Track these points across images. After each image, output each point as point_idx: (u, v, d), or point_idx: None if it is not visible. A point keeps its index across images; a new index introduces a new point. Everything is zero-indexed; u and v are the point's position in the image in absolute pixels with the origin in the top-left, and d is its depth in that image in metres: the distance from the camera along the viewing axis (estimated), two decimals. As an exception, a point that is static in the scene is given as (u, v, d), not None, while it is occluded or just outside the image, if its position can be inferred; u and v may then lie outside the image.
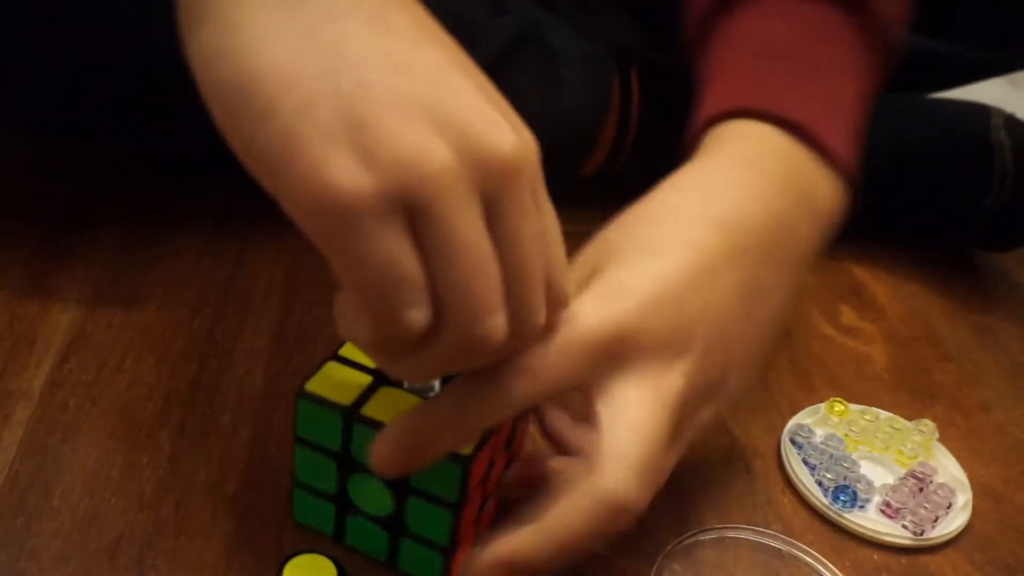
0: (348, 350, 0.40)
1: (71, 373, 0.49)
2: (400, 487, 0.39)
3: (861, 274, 0.71)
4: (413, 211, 0.28)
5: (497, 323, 0.30)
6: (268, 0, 0.29)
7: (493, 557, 0.35)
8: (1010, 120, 0.70)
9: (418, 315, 0.29)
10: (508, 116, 0.31)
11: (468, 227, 0.29)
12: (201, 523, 0.42)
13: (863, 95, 0.48)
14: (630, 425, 0.35)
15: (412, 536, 0.40)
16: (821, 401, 0.56)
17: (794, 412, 0.55)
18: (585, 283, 0.38)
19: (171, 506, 0.43)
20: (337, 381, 0.39)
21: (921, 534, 0.48)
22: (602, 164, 0.71)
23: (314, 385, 0.38)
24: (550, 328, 0.34)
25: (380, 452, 0.35)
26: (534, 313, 0.32)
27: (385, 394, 0.39)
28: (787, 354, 0.61)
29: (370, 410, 0.38)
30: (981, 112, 0.71)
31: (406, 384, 0.39)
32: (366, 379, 0.39)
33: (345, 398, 0.38)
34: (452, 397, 0.35)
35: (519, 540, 0.35)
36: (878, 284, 0.71)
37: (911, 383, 0.61)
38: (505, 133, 0.30)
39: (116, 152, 0.66)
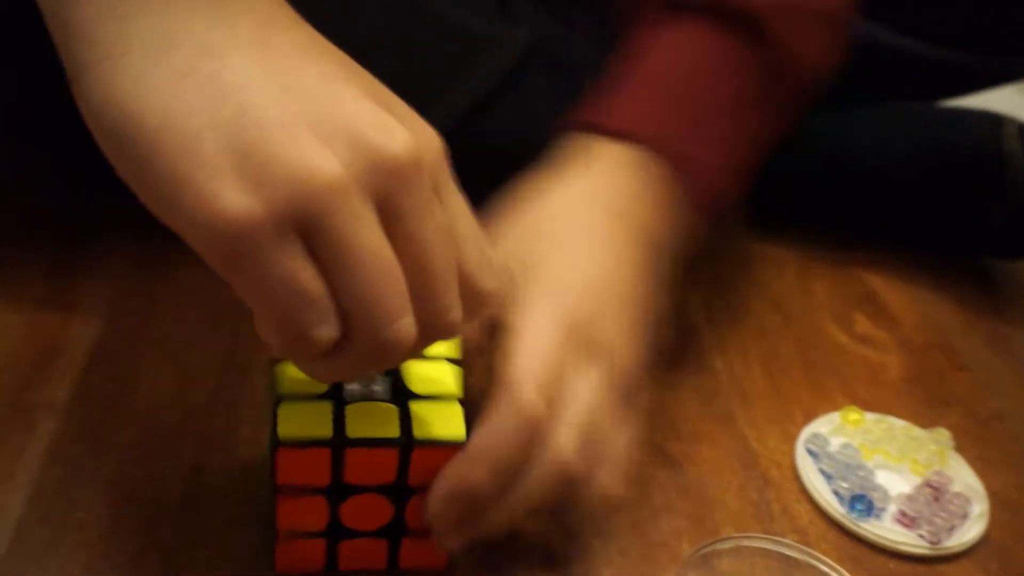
0: (287, 386, 0.39)
1: (93, 385, 0.49)
2: (399, 492, 0.39)
3: (875, 282, 0.72)
4: (306, 227, 0.29)
5: (404, 326, 0.31)
6: (142, 46, 0.29)
7: (439, 492, 0.38)
8: (1023, 129, 0.70)
9: (324, 331, 0.30)
10: (405, 117, 0.32)
11: (362, 236, 0.29)
12: (223, 534, 0.43)
13: (756, 132, 0.53)
14: (526, 346, 0.40)
15: (414, 533, 0.40)
16: (836, 409, 0.56)
17: (809, 420, 0.56)
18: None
19: (193, 518, 0.43)
20: (301, 418, 0.38)
21: (938, 543, 0.48)
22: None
23: (286, 429, 0.37)
24: (473, 319, 0.35)
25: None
26: (445, 310, 0.32)
27: (354, 411, 0.38)
28: (803, 363, 0.61)
29: (353, 431, 0.37)
30: (993, 121, 0.71)
31: (346, 393, 0.39)
32: (327, 406, 0.38)
33: (323, 430, 0.37)
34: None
35: (454, 468, 0.38)
36: (892, 292, 0.71)
37: (926, 392, 0.61)
38: (395, 133, 0.30)
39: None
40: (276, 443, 0.37)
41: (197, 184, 0.28)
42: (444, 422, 0.39)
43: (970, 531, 0.49)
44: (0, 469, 0.44)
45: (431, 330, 0.32)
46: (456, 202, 0.33)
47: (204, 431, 0.48)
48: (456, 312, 0.33)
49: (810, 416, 0.56)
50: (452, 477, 0.38)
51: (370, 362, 0.32)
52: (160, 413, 0.48)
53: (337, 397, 0.39)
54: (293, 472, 0.38)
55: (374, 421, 0.38)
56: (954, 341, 0.67)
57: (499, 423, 0.38)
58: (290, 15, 0.33)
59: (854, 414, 0.56)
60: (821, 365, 0.61)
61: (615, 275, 0.45)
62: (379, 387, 0.39)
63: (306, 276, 0.29)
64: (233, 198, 0.28)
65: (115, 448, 0.46)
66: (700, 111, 0.51)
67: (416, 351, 0.34)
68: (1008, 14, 0.71)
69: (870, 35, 0.72)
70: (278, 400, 0.38)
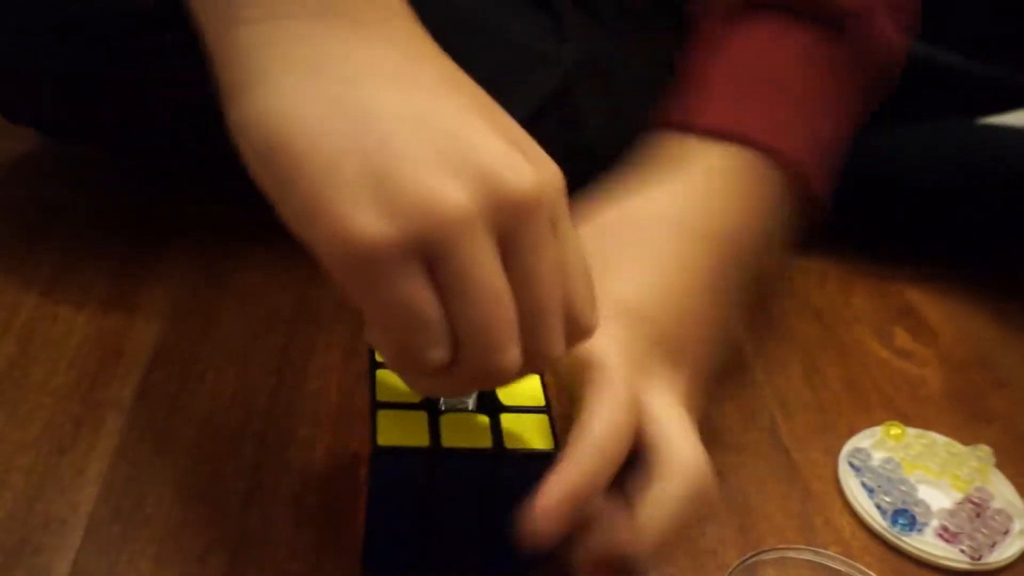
0: (384, 393, 0.41)
1: (157, 384, 0.51)
2: (490, 500, 0.40)
3: (915, 297, 0.72)
4: (431, 255, 0.30)
5: (510, 357, 0.32)
6: (294, 70, 0.31)
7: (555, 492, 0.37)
8: (1064, 148, 0.70)
9: (436, 354, 0.32)
10: (529, 152, 0.33)
11: (482, 268, 0.31)
12: (285, 532, 0.44)
13: (839, 124, 0.52)
14: (676, 427, 0.41)
15: (502, 538, 0.41)
16: (877, 423, 0.57)
17: (851, 434, 0.56)
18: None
19: (257, 515, 0.45)
20: (399, 426, 0.39)
21: (979, 559, 0.49)
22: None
23: (384, 437, 0.39)
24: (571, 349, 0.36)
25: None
26: (549, 345, 0.34)
27: (448, 422, 0.40)
28: (843, 376, 0.62)
29: (448, 440, 0.39)
30: (1033, 139, 0.72)
31: (441, 403, 0.41)
32: (422, 415, 0.40)
33: (419, 439, 0.39)
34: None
35: (617, 538, 0.37)
36: (932, 307, 0.71)
37: (966, 407, 0.61)
38: (521, 170, 0.31)
39: (192, 171, 0.69)
40: (375, 450, 0.38)
41: (335, 205, 0.30)
42: (534, 433, 0.40)
43: (1011, 547, 0.50)
44: (72, 465, 0.46)
45: (534, 360, 0.34)
46: (570, 236, 0.34)
47: (264, 432, 0.49)
48: (560, 346, 0.34)
49: (852, 430, 0.57)
50: (613, 543, 0.38)
51: (473, 385, 0.34)
52: (221, 413, 0.50)
53: (431, 408, 0.40)
54: (390, 477, 0.39)
55: (468, 431, 0.40)
56: (993, 356, 0.67)
57: (676, 483, 0.39)
58: (431, 48, 0.34)
59: (896, 429, 0.56)
60: (862, 379, 0.62)
61: (687, 302, 0.45)
62: (469, 401, 0.41)
63: (426, 300, 0.31)
64: (367, 221, 0.29)
65: (179, 446, 0.48)
66: (796, 106, 0.50)
67: (517, 379, 0.35)
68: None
69: (914, 52, 0.72)
70: (375, 407, 0.40)
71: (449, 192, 0.30)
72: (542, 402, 0.41)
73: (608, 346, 0.40)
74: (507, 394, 0.41)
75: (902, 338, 0.67)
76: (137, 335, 0.54)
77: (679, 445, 0.40)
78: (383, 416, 0.40)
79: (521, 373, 0.34)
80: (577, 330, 0.35)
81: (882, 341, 0.66)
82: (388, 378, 0.41)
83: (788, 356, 0.63)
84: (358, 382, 0.53)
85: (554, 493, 0.36)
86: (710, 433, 0.55)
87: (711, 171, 0.48)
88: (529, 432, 0.40)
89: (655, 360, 0.43)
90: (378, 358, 0.42)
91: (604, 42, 0.69)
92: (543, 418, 0.41)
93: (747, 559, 0.47)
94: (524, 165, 0.32)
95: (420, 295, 0.31)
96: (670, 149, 0.49)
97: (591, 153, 0.53)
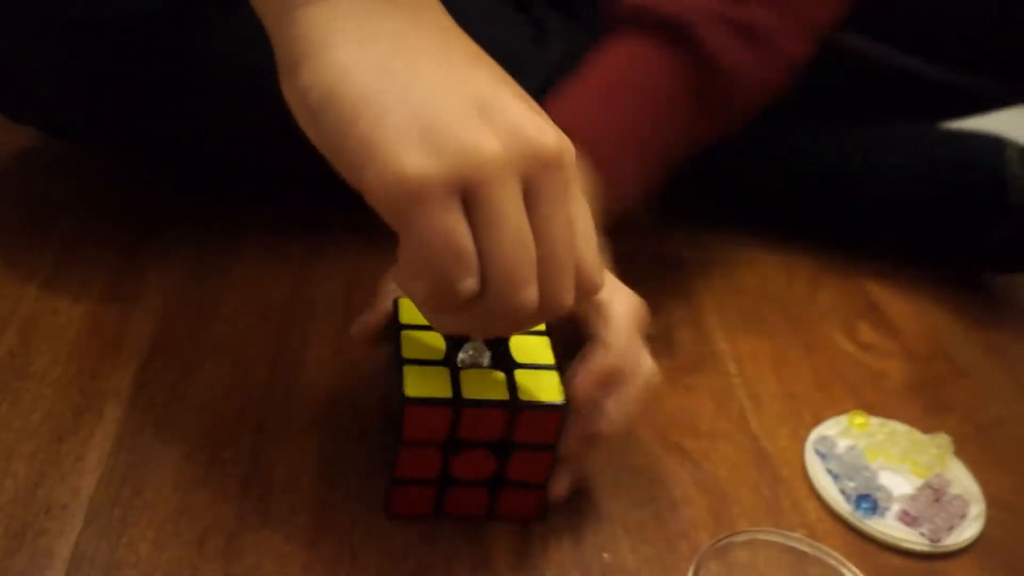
0: (409, 350, 0.45)
1: (156, 374, 0.53)
2: (504, 447, 0.44)
3: (879, 293, 0.75)
4: (468, 195, 0.34)
5: (530, 295, 0.36)
6: (349, 42, 0.36)
7: (589, 378, 0.44)
8: (1023, 152, 0.73)
9: (470, 284, 0.35)
10: (550, 123, 0.37)
11: (511, 210, 0.35)
12: (281, 515, 0.46)
13: (676, 131, 0.58)
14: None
15: (513, 484, 0.46)
16: (842, 412, 0.60)
17: (817, 422, 0.59)
18: None
19: (254, 499, 0.47)
20: (424, 380, 0.43)
21: (938, 541, 0.52)
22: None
23: (412, 389, 0.43)
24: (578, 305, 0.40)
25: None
26: (561, 291, 0.37)
27: (468, 377, 0.44)
28: (810, 368, 0.65)
29: (469, 392, 0.43)
30: (996, 143, 0.74)
31: (459, 361, 0.45)
32: (444, 371, 0.44)
33: (443, 391, 0.43)
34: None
35: (599, 360, 0.45)
36: (894, 303, 0.74)
37: (926, 397, 0.64)
38: (546, 131, 0.36)
39: (191, 165, 0.70)
40: (404, 400, 0.42)
41: (385, 147, 0.34)
42: (545, 388, 0.44)
43: (968, 530, 0.53)
44: (72, 452, 0.47)
45: (547, 306, 0.37)
46: (580, 203, 0.38)
47: (261, 419, 0.51)
48: (570, 296, 0.38)
49: (818, 419, 0.60)
50: (598, 364, 0.45)
51: (494, 321, 0.37)
52: (219, 402, 0.52)
53: (452, 364, 0.44)
54: (416, 426, 0.43)
55: (486, 386, 0.44)
56: (954, 350, 0.71)
57: (624, 319, 0.46)
58: (460, 31, 0.39)
59: (860, 418, 0.59)
60: (828, 371, 0.65)
61: None
62: (485, 359, 0.45)
63: (462, 233, 0.35)
64: (415, 161, 0.34)
65: (178, 434, 0.49)
66: (627, 116, 0.56)
67: (530, 324, 0.39)
68: (1010, 39, 0.75)
69: (877, 56, 0.75)
70: (401, 363, 0.44)
71: (484, 140, 0.34)
72: (552, 361, 0.46)
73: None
74: (520, 352, 0.46)
75: (866, 332, 0.70)
76: (135, 326, 0.56)
77: (619, 294, 0.47)
78: (409, 371, 0.44)
79: (534, 320, 0.38)
80: (585, 285, 0.39)
81: (847, 335, 0.69)
82: (411, 338, 0.45)
83: (758, 349, 0.66)
84: (350, 373, 0.55)
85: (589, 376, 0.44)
86: (686, 420, 0.58)
87: None
88: (540, 387, 0.44)
89: None
90: (401, 319, 0.46)
91: (583, 45, 0.71)
92: (553, 375, 0.45)
93: (718, 541, 0.49)
94: (548, 127, 0.36)
95: (459, 228, 0.35)
96: None
97: None
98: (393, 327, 0.46)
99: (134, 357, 0.53)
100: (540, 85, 0.65)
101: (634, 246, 0.73)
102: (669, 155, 0.59)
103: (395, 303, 0.47)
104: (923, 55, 0.75)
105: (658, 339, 0.63)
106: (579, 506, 0.50)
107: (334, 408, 0.52)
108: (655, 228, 0.76)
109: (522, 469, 0.46)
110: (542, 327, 0.47)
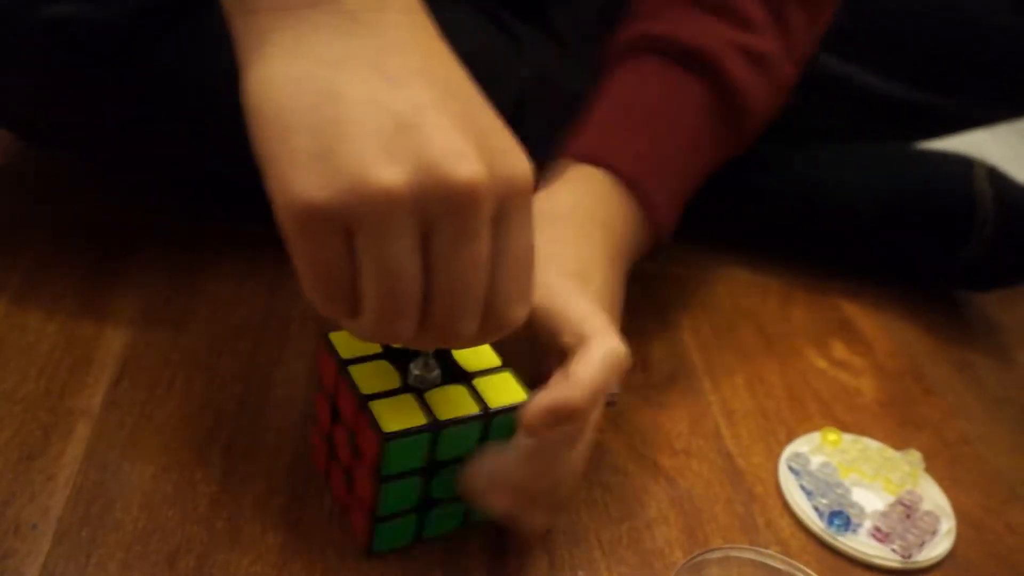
0: (343, 350, 0.45)
1: (126, 392, 0.52)
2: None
3: (851, 311, 0.76)
4: (354, 225, 0.34)
5: (401, 327, 0.36)
6: (281, 54, 0.36)
7: (540, 407, 0.41)
8: (992, 172, 0.74)
9: (338, 309, 0.36)
10: (497, 146, 0.36)
11: (394, 245, 0.34)
12: (252, 535, 0.46)
13: (703, 157, 0.59)
14: (604, 328, 0.45)
15: None
16: (815, 429, 0.60)
17: (791, 439, 0.60)
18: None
19: (224, 519, 0.46)
20: (392, 410, 0.43)
21: (909, 558, 0.52)
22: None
23: (387, 424, 0.42)
24: (496, 338, 0.39)
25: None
26: (450, 328, 0.37)
27: (432, 398, 0.44)
28: (784, 385, 0.65)
29: (442, 414, 0.43)
30: (964, 163, 0.76)
31: (411, 380, 0.44)
32: (410, 398, 0.43)
33: (417, 419, 0.42)
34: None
35: (558, 390, 0.42)
36: (867, 320, 0.75)
37: (898, 414, 0.65)
38: (461, 161, 0.34)
39: (161, 182, 0.70)
40: (386, 437, 0.41)
41: (283, 167, 0.34)
42: (505, 390, 0.45)
43: (939, 547, 0.54)
44: (42, 471, 0.47)
45: (441, 338, 0.37)
46: (518, 235, 0.37)
47: (232, 438, 0.51)
48: (466, 329, 0.37)
49: (791, 435, 0.60)
50: (556, 397, 0.41)
51: (381, 338, 0.37)
52: (190, 420, 0.51)
53: (412, 389, 0.44)
54: (398, 460, 0.43)
55: (454, 402, 0.44)
56: (924, 367, 0.71)
57: (596, 357, 0.43)
58: (414, 40, 0.37)
59: (832, 435, 0.60)
60: (801, 387, 0.66)
61: (603, 270, 0.51)
62: (434, 373, 0.45)
63: (337, 263, 0.35)
64: (302, 186, 0.34)
65: (148, 453, 0.49)
66: (657, 141, 0.57)
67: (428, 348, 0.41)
68: (976, 61, 0.76)
69: (847, 76, 0.76)
70: (365, 400, 0.43)
71: (382, 172, 0.33)
72: (498, 361, 0.46)
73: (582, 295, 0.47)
74: (466, 360, 0.46)
75: (839, 349, 0.71)
76: (106, 343, 0.55)
77: (605, 337, 0.44)
78: (377, 407, 0.43)
79: (428, 347, 0.39)
80: (497, 322, 0.38)
81: (820, 352, 0.70)
82: (361, 371, 0.44)
83: (732, 366, 0.66)
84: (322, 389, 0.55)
85: (539, 406, 0.41)
86: (660, 438, 0.58)
87: (590, 182, 0.55)
88: (503, 390, 0.45)
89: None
90: (342, 355, 0.45)
91: (558, 58, 0.71)
92: (507, 374, 0.45)
93: (693, 558, 0.49)
94: (468, 159, 0.34)
95: (334, 257, 0.35)
96: (564, 167, 0.56)
97: (539, 166, 0.56)
98: (339, 367, 0.45)
99: (104, 375, 0.53)
100: (514, 99, 0.66)
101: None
102: (698, 183, 0.60)
103: (327, 338, 0.46)
104: (888, 74, 0.77)
105: (632, 355, 0.64)
106: (554, 525, 0.50)
107: (307, 427, 0.52)
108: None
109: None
110: None
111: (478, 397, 0.44)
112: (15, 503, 0.45)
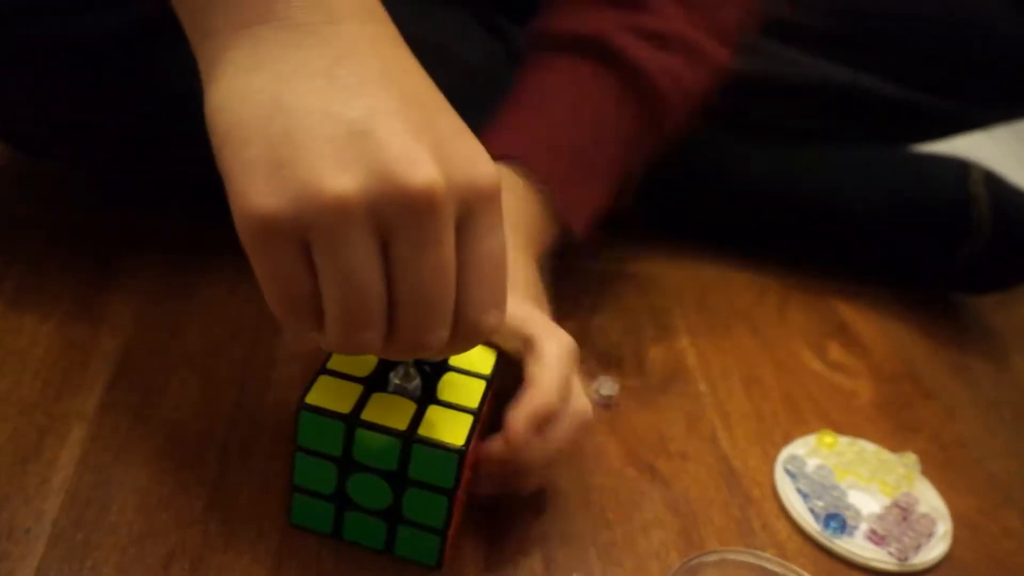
0: (335, 362, 0.45)
1: (121, 395, 0.52)
2: (399, 480, 0.43)
3: (848, 313, 0.76)
4: (311, 236, 0.34)
5: (365, 338, 0.36)
6: (238, 71, 0.36)
7: (521, 421, 0.43)
8: (988, 175, 0.74)
9: (302, 322, 0.36)
10: (462, 152, 0.36)
11: (351, 254, 0.34)
12: (247, 538, 0.45)
13: (618, 144, 0.60)
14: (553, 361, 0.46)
15: (409, 523, 0.45)
16: (812, 432, 0.60)
17: (787, 442, 0.59)
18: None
19: (219, 522, 0.46)
20: (333, 392, 0.43)
21: (905, 560, 0.52)
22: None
23: (314, 397, 0.43)
24: (468, 347, 0.39)
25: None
26: (419, 333, 0.36)
27: (378, 399, 0.43)
28: (780, 388, 0.65)
29: (368, 414, 0.42)
30: (960, 166, 0.76)
31: (390, 388, 0.44)
32: (358, 388, 0.44)
33: (344, 406, 0.43)
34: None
35: (529, 399, 0.44)
36: (863, 323, 0.75)
37: (894, 417, 0.65)
38: (417, 167, 0.34)
39: (156, 186, 0.70)
40: (301, 406, 0.42)
41: (238, 180, 0.34)
42: (450, 429, 0.43)
43: (935, 549, 0.54)
44: (36, 474, 0.47)
45: (408, 348, 0.37)
46: (485, 240, 0.36)
47: (226, 442, 0.50)
48: (434, 337, 0.36)
49: (788, 438, 0.60)
50: (528, 407, 0.44)
51: (347, 349, 0.37)
52: (185, 424, 0.51)
53: (370, 385, 0.44)
54: (311, 435, 0.43)
55: (391, 412, 0.43)
56: (921, 370, 0.71)
57: (553, 358, 0.45)
58: (371, 49, 0.37)
59: (829, 437, 0.60)
60: (798, 389, 0.66)
61: (531, 273, 0.53)
62: (412, 385, 0.44)
63: (295, 275, 0.35)
64: (257, 198, 0.34)
65: (143, 456, 0.49)
66: (572, 138, 0.57)
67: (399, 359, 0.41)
68: (974, 63, 0.76)
69: (845, 79, 0.76)
70: (321, 371, 0.44)
71: (335, 181, 0.33)
72: (475, 406, 0.44)
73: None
74: (448, 390, 0.45)
75: (835, 352, 0.71)
76: (101, 346, 0.55)
77: (551, 336, 0.46)
78: (323, 381, 0.43)
79: (394, 357, 0.39)
80: (469, 330, 0.37)
81: (817, 355, 0.70)
82: (344, 355, 0.44)
83: (729, 369, 0.66)
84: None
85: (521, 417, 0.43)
86: (656, 440, 0.58)
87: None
88: (447, 427, 0.43)
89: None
90: (331, 365, 0.45)
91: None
92: (467, 419, 0.44)
93: (689, 561, 0.49)
94: (422, 164, 0.34)
95: (293, 269, 0.35)
96: None
97: None
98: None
99: (100, 378, 0.53)
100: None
101: (604, 265, 0.73)
102: (615, 171, 0.60)
103: None
104: (885, 76, 0.77)
105: (629, 358, 0.64)
106: (550, 527, 0.50)
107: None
108: (625, 247, 0.76)
109: (418, 509, 0.44)
110: (484, 369, 0.46)
111: (416, 420, 0.43)
112: (9, 507, 0.45)
